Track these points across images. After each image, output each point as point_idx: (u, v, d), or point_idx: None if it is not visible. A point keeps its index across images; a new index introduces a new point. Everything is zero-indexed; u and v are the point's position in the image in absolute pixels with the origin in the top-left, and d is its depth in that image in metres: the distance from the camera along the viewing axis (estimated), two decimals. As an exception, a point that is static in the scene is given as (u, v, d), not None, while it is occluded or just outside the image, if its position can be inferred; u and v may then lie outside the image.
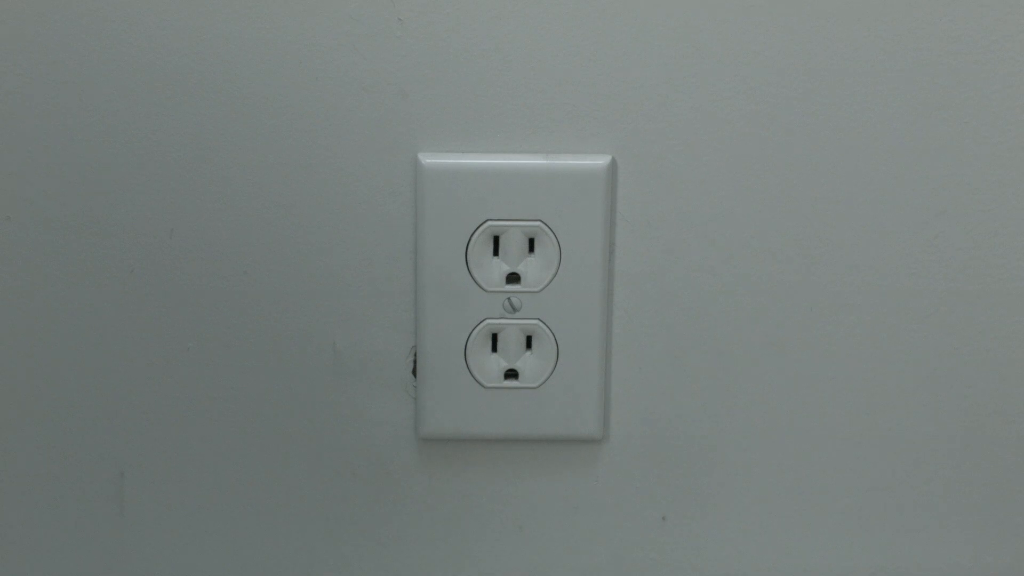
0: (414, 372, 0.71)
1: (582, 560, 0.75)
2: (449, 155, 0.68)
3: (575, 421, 0.71)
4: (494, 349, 0.71)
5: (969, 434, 0.72)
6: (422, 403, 0.71)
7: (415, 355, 0.71)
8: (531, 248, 0.69)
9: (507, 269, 0.69)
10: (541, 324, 0.70)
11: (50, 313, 0.71)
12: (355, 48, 0.67)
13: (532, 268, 0.69)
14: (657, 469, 0.74)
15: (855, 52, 0.67)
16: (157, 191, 0.69)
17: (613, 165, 0.68)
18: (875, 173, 0.69)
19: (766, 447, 0.73)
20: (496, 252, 0.69)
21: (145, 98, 0.68)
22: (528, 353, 0.71)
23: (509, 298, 0.69)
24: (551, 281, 0.69)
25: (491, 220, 0.68)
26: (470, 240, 0.69)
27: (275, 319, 0.71)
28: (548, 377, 0.71)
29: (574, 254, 0.69)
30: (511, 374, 0.71)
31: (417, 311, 0.70)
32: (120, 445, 0.73)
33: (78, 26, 0.67)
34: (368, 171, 0.69)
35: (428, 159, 0.68)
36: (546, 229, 0.69)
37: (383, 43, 0.67)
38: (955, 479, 0.73)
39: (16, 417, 0.72)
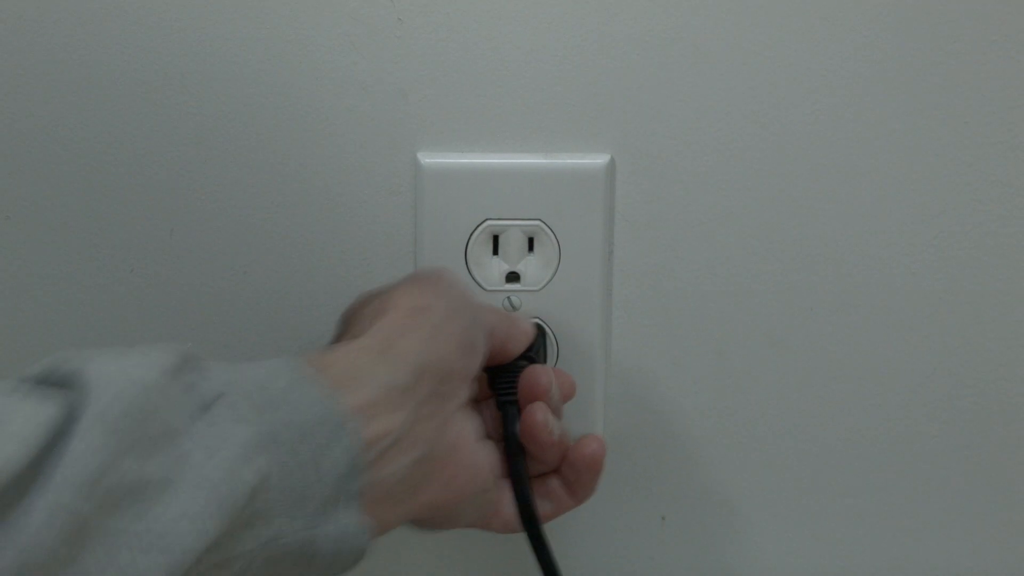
0: (414, 372, 0.71)
1: (582, 560, 0.75)
2: (448, 155, 0.68)
3: (575, 421, 0.71)
4: (494, 349, 0.71)
5: (969, 434, 0.72)
6: (422, 403, 0.71)
7: (415, 355, 0.71)
8: (531, 247, 0.69)
9: (507, 268, 0.69)
10: (541, 323, 0.70)
11: (50, 313, 0.71)
12: (355, 48, 0.67)
13: (532, 267, 0.69)
14: (657, 469, 0.73)
15: (855, 52, 0.67)
16: (157, 191, 0.69)
17: (612, 164, 0.68)
18: (875, 173, 0.69)
19: (766, 447, 0.73)
20: (496, 251, 0.69)
21: (145, 98, 0.68)
22: (528, 353, 0.71)
23: (509, 297, 0.69)
24: (551, 280, 0.69)
25: (490, 219, 0.68)
26: (470, 239, 0.69)
27: (275, 319, 0.71)
28: (548, 377, 0.71)
29: (573, 253, 0.69)
30: (511, 374, 0.71)
31: (417, 311, 0.70)
32: (120, 445, 0.73)
33: (78, 26, 0.67)
34: (368, 171, 0.69)
35: (428, 159, 0.68)
36: (545, 228, 0.69)
37: (383, 43, 0.67)
38: (955, 479, 0.73)
39: (16, 417, 0.72)
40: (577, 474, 0.64)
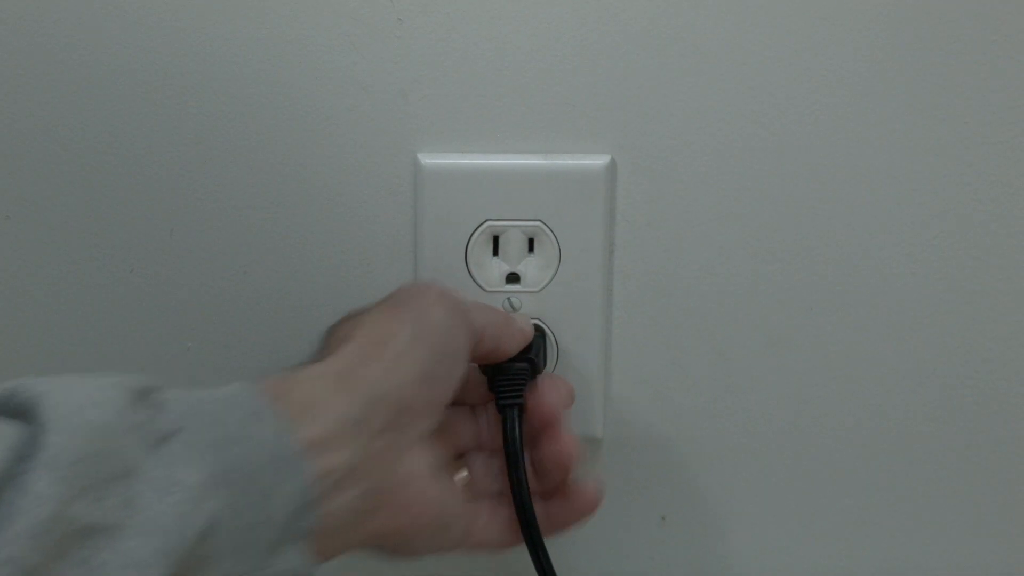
0: (414, 372, 0.71)
1: (582, 560, 0.75)
2: (449, 155, 0.68)
3: (575, 421, 0.71)
4: (494, 349, 0.71)
5: (969, 434, 0.72)
6: (422, 403, 0.71)
7: (415, 355, 0.71)
8: (531, 248, 0.69)
9: (507, 269, 0.69)
10: (541, 324, 0.70)
11: (50, 313, 0.71)
12: (355, 48, 0.67)
13: (532, 268, 0.69)
14: (657, 469, 0.74)
15: (855, 52, 0.67)
16: (157, 191, 0.69)
17: (612, 165, 0.68)
18: (875, 173, 0.69)
19: (766, 447, 0.73)
20: (496, 252, 0.69)
21: (145, 98, 0.68)
22: (528, 353, 0.71)
23: (509, 298, 0.69)
24: (551, 281, 0.69)
25: (491, 220, 0.69)
26: (470, 240, 0.69)
27: (275, 319, 0.71)
28: (548, 377, 0.71)
29: (574, 254, 0.69)
30: (511, 374, 0.71)
31: (417, 311, 0.70)
32: (120, 445, 0.73)
33: (78, 26, 0.67)
34: (368, 171, 0.69)
35: (428, 159, 0.68)
36: (546, 229, 0.69)
37: (383, 43, 0.67)
38: (955, 479, 0.73)
39: (16, 417, 0.73)
40: (566, 515, 0.63)
